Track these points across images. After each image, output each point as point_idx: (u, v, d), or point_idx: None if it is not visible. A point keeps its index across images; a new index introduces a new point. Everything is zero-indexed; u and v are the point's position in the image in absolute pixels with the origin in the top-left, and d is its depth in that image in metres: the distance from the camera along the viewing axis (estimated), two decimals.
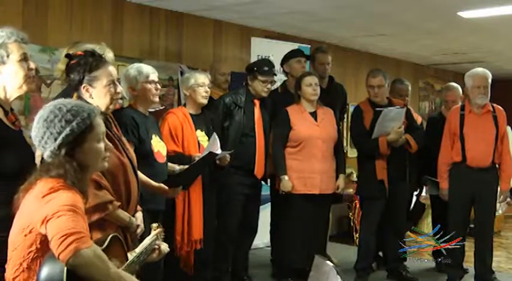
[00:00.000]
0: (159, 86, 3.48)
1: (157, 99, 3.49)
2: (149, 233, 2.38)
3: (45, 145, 1.88)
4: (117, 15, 5.10)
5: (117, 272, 1.80)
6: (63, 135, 1.86)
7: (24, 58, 2.35)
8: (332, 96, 4.90)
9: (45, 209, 1.74)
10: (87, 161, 1.93)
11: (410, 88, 5.44)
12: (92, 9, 4.89)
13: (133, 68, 3.45)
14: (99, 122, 1.97)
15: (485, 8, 5.30)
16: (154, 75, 3.46)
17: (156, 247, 2.31)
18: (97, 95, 2.44)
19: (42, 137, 1.88)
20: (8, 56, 2.29)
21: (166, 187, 3.22)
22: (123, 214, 2.46)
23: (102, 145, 1.97)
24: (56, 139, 1.86)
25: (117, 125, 2.68)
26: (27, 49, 2.39)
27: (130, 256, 2.09)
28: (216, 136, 3.79)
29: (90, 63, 2.41)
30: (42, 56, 4.40)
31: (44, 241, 1.75)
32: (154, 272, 3.30)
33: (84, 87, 2.42)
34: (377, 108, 4.57)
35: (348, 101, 5.51)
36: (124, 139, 2.66)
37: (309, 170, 4.41)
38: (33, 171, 1.90)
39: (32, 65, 2.39)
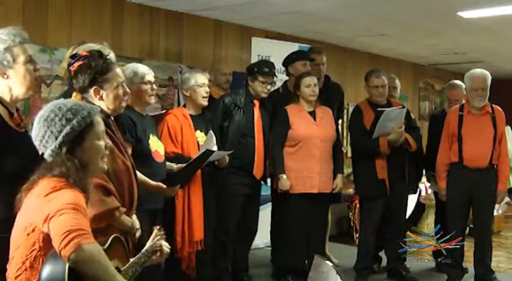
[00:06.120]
0: (155, 87, 3.46)
1: (153, 100, 3.48)
2: (148, 234, 2.38)
3: (46, 144, 1.89)
4: (117, 15, 5.09)
5: (118, 274, 1.80)
6: (63, 133, 1.87)
7: (30, 60, 2.34)
8: (328, 95, 4.89)
9: (48, 208, 1.74)
10: (87, 159, 1.93)
11: (397, 81, 5.39)
12: (92, 9, 4.89)
13: (129, 69, 3.43)
14: (99, 120, 1.98)
15: (485, 8, 5.30)
16: (150, 76, 3.44)
17: (158, 248, 2.31)
18: (107, 97, 2.42)
19: (43, 137, 1.89)
20: (14, 59, 2.29)
21: (164, 186, 3.22)
22: (126, 219, 2.47)
23: (102, 143, 1.98)
24: (56, 138, 1.87)
25: (118, 128, 2.67)
26: (31, 48, 2.38)
27: (132, 259, 2.09)
28: (213, 133, 3.80)
29: (101, 65, 2.39)
30: (42, 56, 4.39)
31: (47, 239, 1.76)
32: (154, 274, 3.29)
33: (94, 89, 2.40)
34: (378, 109, 4.57)
35: (345, 100, 5.49)
36: (125, 143, 2.65)
37: (308, 170, 4.42)
38: (35, 170, 1.90)
39: (38, 67, 2.39)
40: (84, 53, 2.43)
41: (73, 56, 2.46)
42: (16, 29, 2.35)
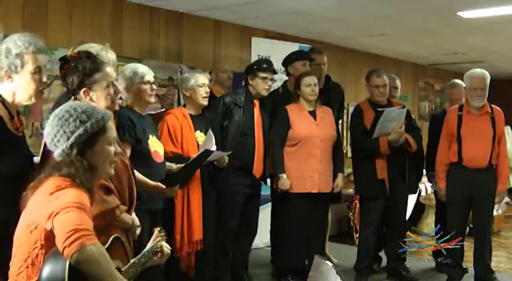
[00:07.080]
0: (154, 87, 3.47)
1: (153, 99, 3.48)
2: (148, 234, 2.38)
3: (57, 143, 1.90)
4: (117, 15, 5.10)
5: (120, 276, 1.80)
6: (76, 134, 1.88)
7: (38, 71, 2.34)
8: (329, 95, 4.89)
9: (52, 206, 1.75)
10: (96, 163, 1.95)
11: (398, 81, 5.39)
12: (92, 9, 4.90)
13: (129, 69, 3.43)
14: (112, 126, 2.00)
15: (485, 8, 5.30)
16: (149, 76, 3.44)
17: (159, 249, 2.31)
18: (97, 98, 2.40)
19: (55, 135, 1.90)
20: (22, 66, 2.30)
21: (164, 186, 3.22)
22: (127, 217, 2.47)
23: (112, 148, 2.00)
24: (68, 138, 1.88)
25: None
26: (44, 59, 2.39)
27: (132, 259, 2.09)
28: (212, 133, 3.80)
29: (89, 66, 2.37)
30: None
31: (49, 237, 1.76)
32: (154, 273, 3.29)
33: (84, 91, 2.38)
34: (378, 109, 4.57)
35: (345, 100, 5.49)
36: (121, 142, 2.66)
37: (308, 169, 4.42)
38: (43, 169, 1.91)
39: (44, 79, 2.39)
40: (74, 55, 2.42)
41: (62, 58, 2.44)
42: (34, 37, 2.37)
